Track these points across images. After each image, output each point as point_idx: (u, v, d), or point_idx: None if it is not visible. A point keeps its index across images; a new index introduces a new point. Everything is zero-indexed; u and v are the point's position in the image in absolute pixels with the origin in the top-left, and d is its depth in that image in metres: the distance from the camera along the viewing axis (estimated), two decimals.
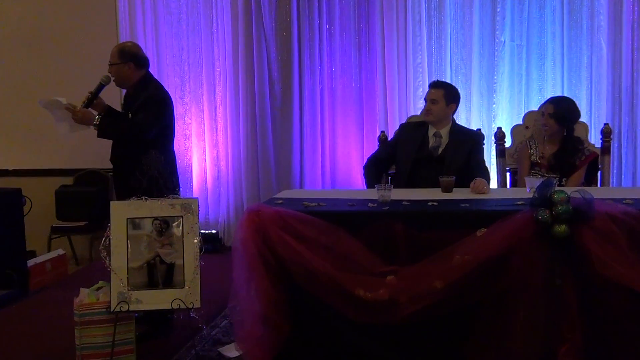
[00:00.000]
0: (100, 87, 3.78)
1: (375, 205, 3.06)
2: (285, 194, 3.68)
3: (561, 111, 3.96)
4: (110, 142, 3.89)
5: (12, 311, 4.31)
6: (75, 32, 5.93)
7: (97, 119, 3.74)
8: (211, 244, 5.62)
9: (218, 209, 5.83)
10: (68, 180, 5.94)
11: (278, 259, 2.91)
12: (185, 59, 5.71)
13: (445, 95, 3.90)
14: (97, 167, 5.94)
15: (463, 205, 3.01)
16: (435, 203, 3.05)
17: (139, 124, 3.67)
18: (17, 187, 4.80)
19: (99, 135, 3.75)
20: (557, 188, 2.80)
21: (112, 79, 3.81)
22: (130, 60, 3.77)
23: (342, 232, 2.87)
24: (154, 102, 3.73)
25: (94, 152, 5.92)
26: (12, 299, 4.46)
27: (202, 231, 5.58)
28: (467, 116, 5.24)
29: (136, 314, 3.69)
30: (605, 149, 4.14)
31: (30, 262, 4.86)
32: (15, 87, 6.07)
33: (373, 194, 3.20)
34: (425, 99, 4.00)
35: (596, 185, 4.08)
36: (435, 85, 3.99)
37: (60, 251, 5.29)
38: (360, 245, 2.85)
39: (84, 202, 5.72)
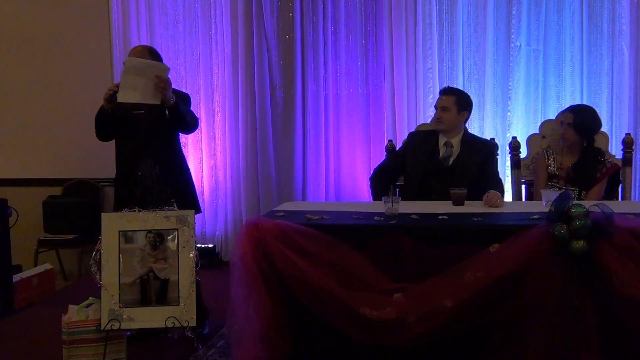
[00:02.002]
0: None
1: (382, 218, 3.07)
2: (286, 206, 3.70)
3: (581, 121, 3.97)
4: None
5: None
6: (66, 35, 5.98)
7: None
8: (208, 259, 5.63)
9: (215, 222, 5.85)
10: (56, 191, 5.97)
11: (279, 275, 2.92)
12: (181, 63, 5.75)
13: (456, 102, 3.92)
14: (86, 177, 5.97)
15: (475, 219, 3.01)
16: (445, 217, 3.06)
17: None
18: (2, 197, 4.82)
19: (173, 110, 3.74)
20: (575, 202, 2.81)
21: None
22: (160, 61, 3.92)
23: (347, 247, 2.88)
24: (189, 102, 3.91)
25: (84, 162, 5.98)
26: None
27: (199, 245, 5.61)
28: (480, 125, 5.27)
29: (128, 333, 3.72)
30: (627, 160, 4.16)
31: (16, 277, 4.87)
32: (2, 94, 6.12)
33: (380, 206, 3.21)
34: (435, 106, 4.02)
35: (617, 199, 4.08)
36: (446, 91, 4.01)
37: (48, 266, 5.30)
38: (365, 261, 2.85)
39: (73, 213, 5.75)
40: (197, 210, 4.00)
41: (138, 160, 3.71)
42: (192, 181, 4.14)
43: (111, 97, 3.71)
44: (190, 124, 3.90)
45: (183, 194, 3.93)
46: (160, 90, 3.64)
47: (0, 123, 6.13)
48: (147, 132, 3.85)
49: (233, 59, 5.67)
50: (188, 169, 4.13)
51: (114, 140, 4.04)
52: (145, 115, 3.80)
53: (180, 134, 4.06)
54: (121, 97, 3.64)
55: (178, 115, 3.77)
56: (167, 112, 3.76)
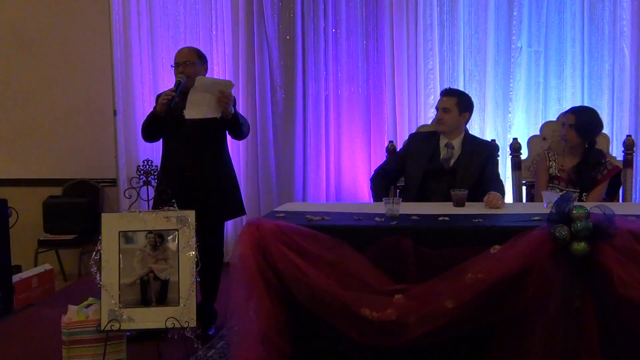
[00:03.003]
0: (179, 85, 3.83)
1: (383, 219, 3.06)
2: (287, 207, 3.69)
3: (583, 122, 3.97)
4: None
5: None
6: (67, 35, 5.99)
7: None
8: None
9: None
10: (56, 191, 5.98)
11: (279, 276, 2.91)
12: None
13: (458, 103, 3.92)
14: (87, 177, 5.98)
15: (476, 220, 3.01)
16: (446, 218, 3.06)
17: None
18: (2, 197, 4.82)
19: (234, 121, 3.83)
20: (576, 203, 2.80)
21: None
22: (206, 62, 4.12)
23: (348, 248, 2.87)
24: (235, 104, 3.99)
25: (84, 162, 5.99)
26: None
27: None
28: (480, 126, 5.27)
29: (128, 333, 3.72)
30: (628, 162, 4.15)
31: (16, 278, 4.87)
32: (2, 94, 6.13)
33: (380, 207, 3.21)
34: (436, 107, 4.02)
35: (618, 201, 4.08)
36: (448, 92, 4.01)
37: (48, 266, 5.30)
38: (366, 262, 2.85)
39: (73, 214, 5.76)
40: (243, 212, 4.23)
41: (188, 163, 3.88)
42: (238, 184, 4.23)
43: (170, 102, 3.77)
44: (245, 133, 4.03)
45: (232, 196, 4.09)
46: (223, 105, 3.72)
47: (0, 123, 6.13)
48: (197, 135, 3.91)
49: (234, 60, 5.67)
50: (234, 171, 4.21)
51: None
52: (197, 120, 3.82)
53: (227, 137, 4.11)
54: (188, 114, 3.72)
55: (238, 125, 3.86)
56: (218, 117, 3.80)
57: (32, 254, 5.65)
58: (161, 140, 4.09)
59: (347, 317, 2.82)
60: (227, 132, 4.02)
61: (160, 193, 3.44)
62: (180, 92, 3.80)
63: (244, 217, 5.50)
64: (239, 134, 3.97)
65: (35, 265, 5.46)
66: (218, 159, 4.00)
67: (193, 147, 3.92)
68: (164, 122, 3.89)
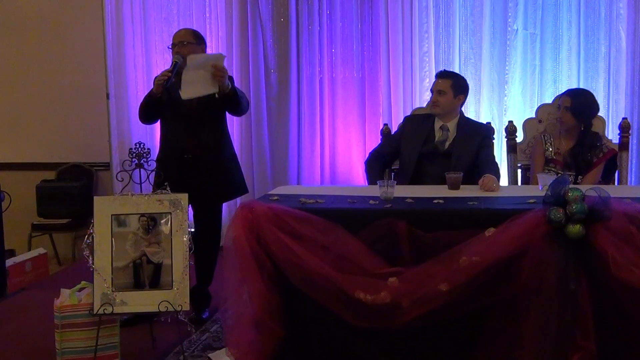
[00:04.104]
0: (176, 65, 3.79)
1: (377, 202, 3.04)
2: (281, 189, 3.67)
3: (579, 105, 3.95)
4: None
5: None
6: (59, 19, 5.94)
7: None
8: None
9: None
10: (50, 175, 5.94)
11: (273, 259, 2.90)
12: None
13: (453, 85, 3.90)
14: (80, 161, 5.94)
15: (471, 203, 2.99)
16: (441, 201, 3.04)
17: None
18: None
19: (232, 93, 3.77)
20: (571, 186, 2.78)
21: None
22: (203, 43, 4.06)
23: (341, 230, 2.85)
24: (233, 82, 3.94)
25: (77, 146, 5.96)
26: None
27: (192, 229, 5.59)
28: (476, 109, 5.25)
29: (124, 317, 3.71)
30: (624, 145, 4.13)
31: (9, 262, 4.85)
32: None
33: (375, 190, 3.19)
34: (431, 89, 3.99)
35: (614, 184, 4.07)
36: (443, 75, 3.98)
37: (41, 250, 5.28)
38: (360, 245, 2.83)
39: (67, 198, 5.73)
40: (245, 190, 4.22)
41: (188, 145, 3.84)
42: (238, 162, 4.20)
43: (166, 82, 3.73)
44: (245, 108, 3.97)
45: (233, 176, 4.07)
46: (218, 79, 3.67)
47: None
48: (196, 115, 3.88)
49: (227, 43, 5.62)
50: (234, 150, 4.18)
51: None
52: (195, 100, 3.81)
53: (226, 116, 4.08)
54: (184, 95, 3.68)
55: (235, 100, 3.81)
56: (216, 96, 3.77)
57: (26, 238, 5.63)
58: (159, 122, 4.07)
59: (341, 300, 2.80)
60: (226, 111, 3.98)
61: (155, 176, 3.41)
62: (177, 72, 3.75)
63: (238, 200, 5.55)
64: (239, 109, 3.92)
65: (29, 250, 5.44)
66: (218, 139, 3.98)
67: (192, 128, 3.89)
68: (161, 103, 3.86)
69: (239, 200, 5.50)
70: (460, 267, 2.70)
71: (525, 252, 2.68)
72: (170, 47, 3.97)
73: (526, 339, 2.69)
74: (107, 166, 5.89)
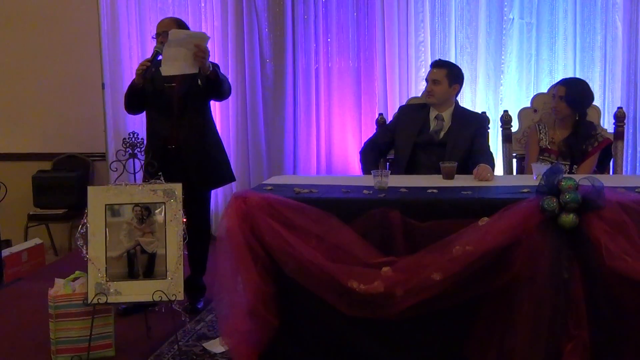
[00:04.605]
0: (157, 55, 3.74)
1: (371, 192, 3.04)
2: (275, 179, 3.66)
3: (574, 94, 3.94)
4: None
5: None
6: (53, 8, 5.90)
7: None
8: None
9: None
10: (46, 165, 5.93)
11: (266, 249, 2.90)
12: None
13: (447, 75, 3.88)
14: (76, 152, 5.92)
15: (464, 192, 2.98)
16: (435, 190, 3.03)
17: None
18: None
19: (213, 75, 3.71)
20: (565, 175, 2.78)
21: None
22: None
23: (335, 220, 2.85)
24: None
25: (74, 136, 5.94)
26: None
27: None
28: (472, 98, 5.24)
29: (123, 306, 3.71)
30: (619, 134, 4.13)
31: (5, 252, 4.84)
32: None
33: (369, 180, 3.18)
34: (426, 79, 3.97)
35: (609, 173, 4.06)
36: (437, 64, 3.96)
37: (38, 240, 5.27)
38: (354, 234, 2.83)
39: (63, 188, 5.71)
40: (232, 178, 4.19)
41: (171, 134, 3.79)
42: (225, 150, 4.15)
43: (145, 72, 3.68)
44: (227, 91, 3.92)
45: (218, 163, 4.01)
46: (200, 59, 3.61)
47: None
48: (179, 105, 3.84)
49: (223, 32, 5.59)
50: (220, 138, 4.13)
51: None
52: (177, 88, 3.79)
53: (210, 104, 4.04)
54: (165, 71, 3.64)
55: (217, 82, 3.75)
56: (199, 83, 3.74)
57: (23, 229, 5.61)
58: (145, 113, 4.03)
59: (334, 290, 2.81)
60: (208, 98, 3.93)
61: (147, 166, 3.38)
62: (158, 62, 3.71)
63: (233, 190, 5.54)
64: (220, 93, 3.86)
65: (26, 240, 5.42)
66: (202, 127, 3.92)
67: (175, 117, 3.84)
68: (144, 92, 3.82)
69: (234, 191, 5.53)
70: (453, 257, 2.70)
71: (519, 241, 2.68)
72: (154, 36, 3.91)
73: (519, 328, 2.69)
74: (103, 156, 5.87)
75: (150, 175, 3.36)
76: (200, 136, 3.89)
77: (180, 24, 3.93)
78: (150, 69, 3.69)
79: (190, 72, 3.65)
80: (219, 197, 5.73)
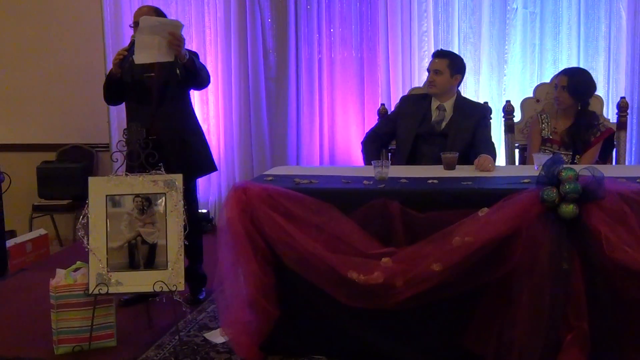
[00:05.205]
0: (134, 44, 3.66)
1: (371, 182, 3.03)
2: (276, 170, 3.65)
3: (576, 84, 3.90)
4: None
5: None
6: None
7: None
8: (202, 225, 5.60)
9: (209, 187, 5.82)
10: (50, 156, 5.93)
11: (266, 239, 2.90)
12: None
13: (449, 65, 3.85)
14: (80, 142, 5.93)
15: (465, 183, 2.97)
16: (435, 181, 3.02)
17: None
18: None
19: (190, 64, 3.66)
20: (565, 165, 2.76)
21: None
22: None
23: (335, 211, 2.85)
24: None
25: (78, 127, 5.93)
26: None
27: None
28: (475, 89, 5.20)
29: (125, 297, 3.71)
30: (622, 124, 4.09)
31: (10, 243, 4.85)
32: None
33: (370, 171, 3.17)
34: (428, 69, 3.95)
35: (611, 163, 4.03)
36: (439, 54, 3.93)
37: (42, 231, 5.28)
38: (353, 225, 2.82)
39: (67, 179, 5.71)
40: (214, 168, 4.10)
41: (151, 124, 3.69)
42: (206, 139, 4.10)
43: (121, 61, 3.65)
44: (205, 79, 3.86)
45: (198, 153, 3.94)
46: (175, 47, 3.55)
47: None
48: (158, 95, 3.79)
49: (225, 23, 5.57)
50: (201, 128, 4.08)
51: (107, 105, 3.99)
52: (155, 78, 3.75)
53: (189, 93, 4.00)
54: (138, 59, 3.57)
55: (194, 71, 3.71)
56: (178, 72, 3.69)
57: (27, 220, 5.62)
58: (125, 105, 3.97)
59: (334, 280, 2.81)
60: (187, 87, 3.89)
61: (147, 157, 3.36)
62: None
63: (237, 181, 5.54)
64: (199, 82, 3.81)
65: (30, 230, 5.43)
66: (181, 117, 3.86)
67: (155, 107, 3.77)
68: (122, 83, 3.77)
69: (237, 179, 5.53)
70: (453, 247, 2.69)
71: (519, 232, 2.67)
72: (131, 25, 3.84)
73: (519, 319, 2.68)
74: (107, 147, 5.87)
75: (151, 166, 3.34)
76: (180, 126, 3.83)
77: (159, 13, 3.86)
78: (127, 58, 3.65)
79: (165, 60, 3.58)
80: (222, 189, 5.73)
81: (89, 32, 5.80)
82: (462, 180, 3.04)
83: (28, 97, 6.02)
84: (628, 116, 4.17)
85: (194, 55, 3.79)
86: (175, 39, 3.53)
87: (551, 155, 3.15)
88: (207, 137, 4.18)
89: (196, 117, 4.08)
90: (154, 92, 3.78)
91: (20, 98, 6.02)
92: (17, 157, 5.82)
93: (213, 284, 3.13)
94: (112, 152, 5.62)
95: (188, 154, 3.84)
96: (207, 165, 4.02)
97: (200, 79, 3.78)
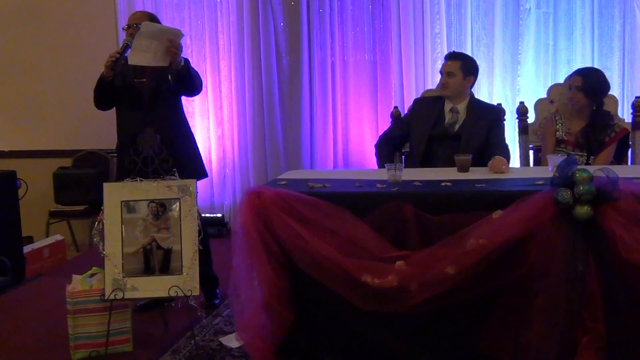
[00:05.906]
0: (126, 48, 3.67)
1: (385, 186, 3.02)
2: (290, 174, 3.65)
3: (590, 84, 3.88)
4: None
5: (5, 299, 4.34)
6: (72, 5, 5.93)
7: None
8: (216, 229, 5.63)
9: (223, 192, 5.83)
10: (66, 162, 5.96)
11: (280, 243, 2.89)
12: (187, 31, 5.67)
13: (462, 67, 3.84)
14: (96, 148, 5.96)
15: (478, 185, 2.96)
16: (449, 183, 3.01)
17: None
18: (11, 169, 4.81)
19: (184, 71, 3.67)
20: (580, 167, 2.74)
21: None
22: None
23: (348, 214, 2.83)
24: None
25: (93, 133, 5.96)
26: (6, 286, 4.46)
27: (208, 215, 5.60)
28: (489, 90, 5.20)
29: (141, 302, 3.73)
30: (637, 124, 4.06)
31: (27, 248, 4.90)
32: (9, 65, 6.09)
33: (383, 174, 3.17)
34: (441, 71, 3.94)
35: (626, 164, 4.01)
36: (451, 56, 3.93)
37: (59, 237, 5.33)
38: (367, 228, 2.81)
39: (84, 184, 5.74)
40: (204, 174, 4.04)
41: (141, 129, 3.60)
42: (197, 146, 4.08)
43: (114, 64, 3.63)
44: (197, 86, 3.85)
45: (188, 159, 3.90)
46: (171, 54, 3.56)
47: (9, 95, 6.11)
48: (150, 100, 3.78)
49: (239, 27, 5.60)
50: (192, 134, 4.06)
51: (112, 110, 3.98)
52: (147, 84, 3.75)
53: (182, 100, 3.99)
54: (132, 59, 3.57)
55: (189, 78, 3.70)
56: (170, 78, 3.69)
57: (44, 225, 5.66)
58: (115, 110, 3.95)
59: (348, 284, 2.79)
60: (180, 94, 3.88)
61: (162, 162, 3.37)
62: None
63: (251, 185, 5.55)
64: (191, 88, 3.80)
65: (47, 236, 5.47)
66: (172, 123, 3.84)
67: (145, 113, 3.76)
68: (113, 87, 3.76)
69: (252, 183, 5.55)
70: (467, 250, 2.67)
71: (533, 234, 2.65)
72: (124, 27, 3.84)
73: (535, 321, 2.66)
74: (115, 151, 5.89)
75: (165, 171, 3.34)
76: (171, 132, 3.76)
77: (153, 19, 3.86)
78: (119, 61, 3.63)
79: (158, 65, 3.59)
80: (237, 193, 5.75)
81: (104, 38, 5.84)
82: (476, 182, 3.03)
83: (44, 103, 6.07)
84: None
85: (186, 61, 3.76)
86: (173, 46, 3.54)
87: (565, 157, 3.14)
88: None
89: (188, 123, 4.05)
90: (145, 98, 3.78)
91: (36, 105, 6.07)
92: (33, 164, 5.87)
93: (228, 288, 3.14)
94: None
95: (178, 160, 3.66)
96: (196, 171, 3.89)
97: (192, 85, 3.77)
